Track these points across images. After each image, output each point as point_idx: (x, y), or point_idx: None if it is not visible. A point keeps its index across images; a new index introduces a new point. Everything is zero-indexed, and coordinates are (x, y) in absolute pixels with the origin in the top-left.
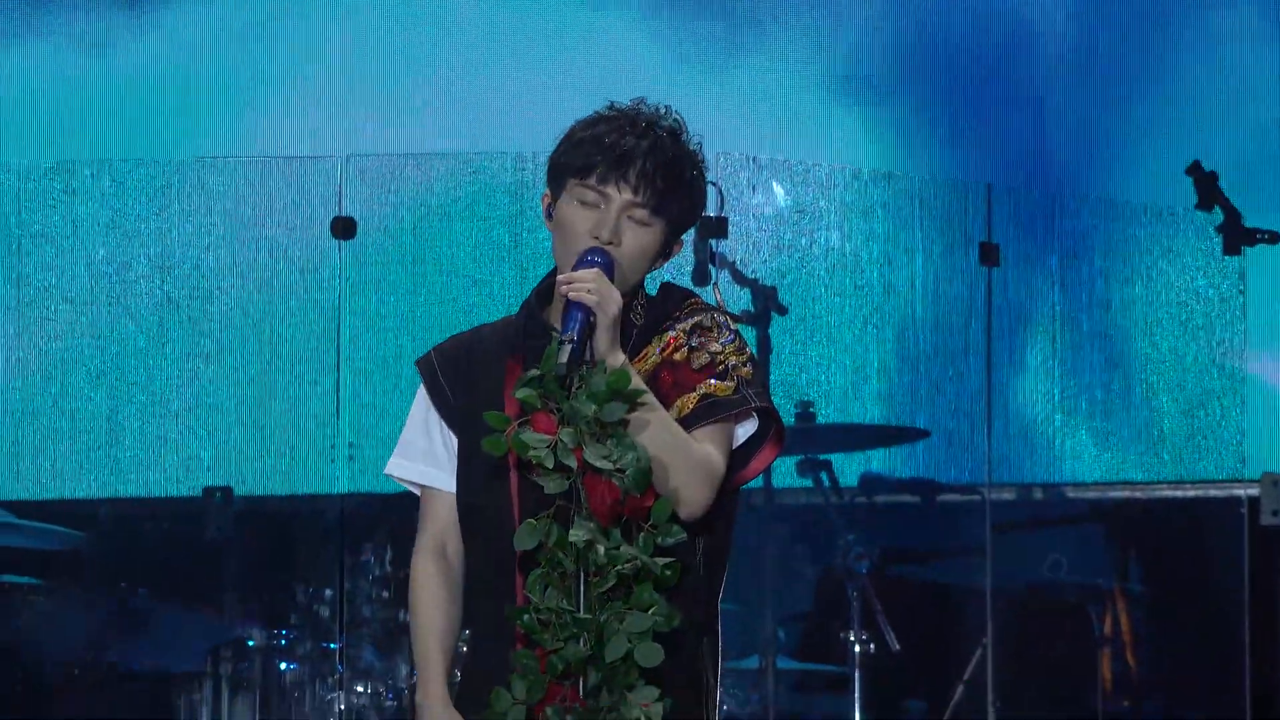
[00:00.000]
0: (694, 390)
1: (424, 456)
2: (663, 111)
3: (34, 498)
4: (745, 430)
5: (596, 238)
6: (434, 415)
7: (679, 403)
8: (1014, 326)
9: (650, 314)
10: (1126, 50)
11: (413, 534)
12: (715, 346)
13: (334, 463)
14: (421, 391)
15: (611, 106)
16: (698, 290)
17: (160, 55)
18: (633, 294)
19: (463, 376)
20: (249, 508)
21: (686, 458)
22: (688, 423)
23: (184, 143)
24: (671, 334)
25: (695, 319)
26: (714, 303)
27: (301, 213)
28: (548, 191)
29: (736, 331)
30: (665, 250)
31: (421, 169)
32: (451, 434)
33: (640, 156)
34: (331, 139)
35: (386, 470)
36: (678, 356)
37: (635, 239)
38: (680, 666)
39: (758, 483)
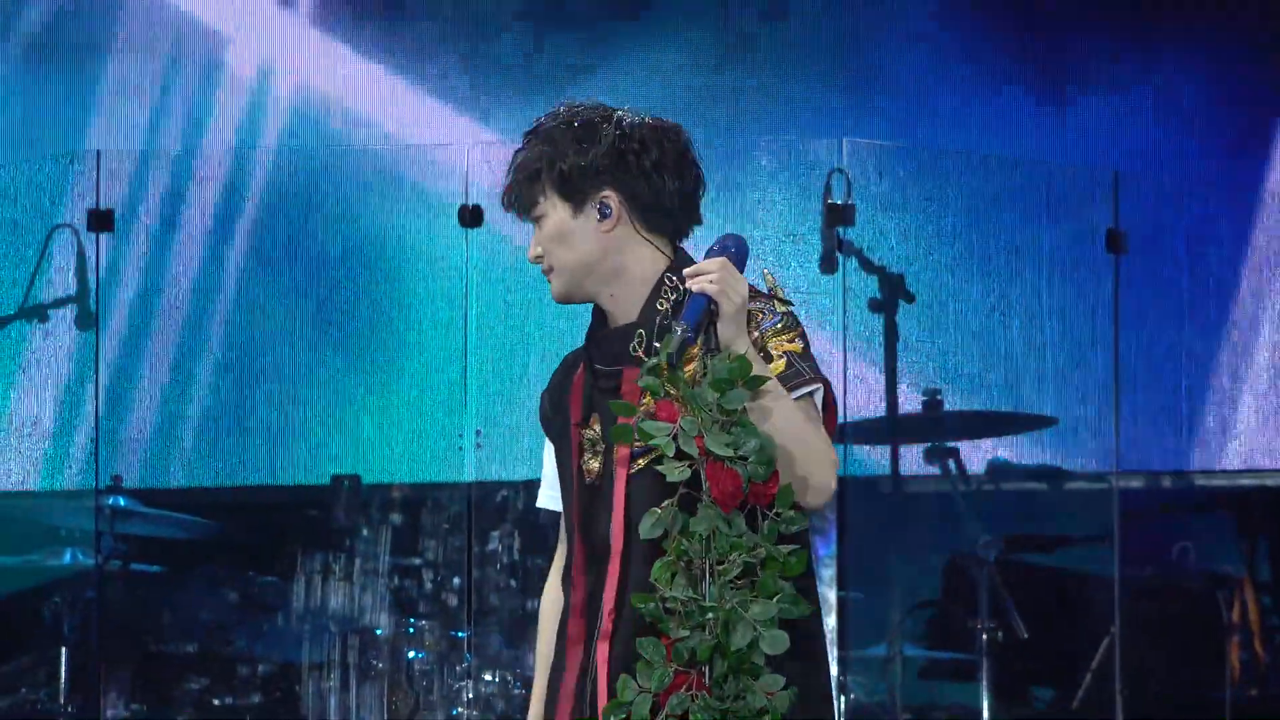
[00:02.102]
0: None
1: (548, 482)
2: (561, 109)
3: (162, 486)
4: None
5: (533, 262)
6: (547, 440)
7: None
8: (1141, 314)
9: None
10: (1251, 34)
11: (540, 521)
12: (754, 334)
13: (461, 451)
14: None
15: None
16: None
17: (283, 45)
18: (655, 280)
19: (555, 392)
20: (377, 496)
21: (815, 443)
22: None
23: (311, 131)
24: None
25: None
26: (765, 287)
27: (429, 201)
28: None
29: (785, 314)
30: (593, 211)
31: None
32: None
33: (508, 188)
34: (459, 126)
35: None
36: None
37: (541, 233)
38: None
39: (885, 470)
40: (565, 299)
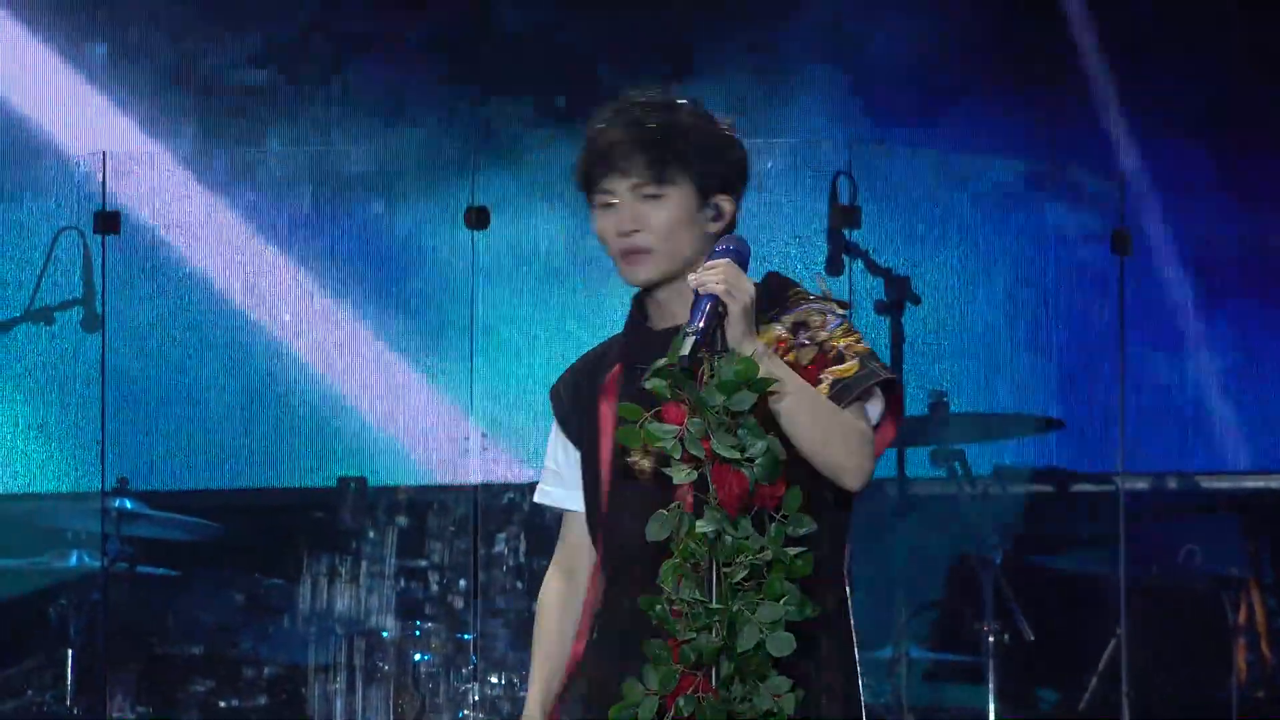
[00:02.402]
0: (819, 383)
1: (554, 478)
2: (641, 95)
3: (168, 488)
4: (875, 410)
5: (620, 233)
6: (560, 434)
7: None
8: (1147, 316)
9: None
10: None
11: (546, 523)
12: (822, 335)
13: (467, 454)
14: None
15: (605, 106)
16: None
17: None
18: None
19: (581, 388)
20: (383, 498)
21: (843, 428)
22: None
23: (319, 133)
24: (777, 332)
25: (799, 310)
26: (818, 291)
27: (435, 203)
28: None
29: (844, 317)
30: (711, 211)
31: (554, 156)
32: (574, 449)
33: (622, 141)
34: (464, 126)
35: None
36: (789, 358)
37: (657, 214)
38: (806, 654)
39: (891, 472)
40: (645, 284)
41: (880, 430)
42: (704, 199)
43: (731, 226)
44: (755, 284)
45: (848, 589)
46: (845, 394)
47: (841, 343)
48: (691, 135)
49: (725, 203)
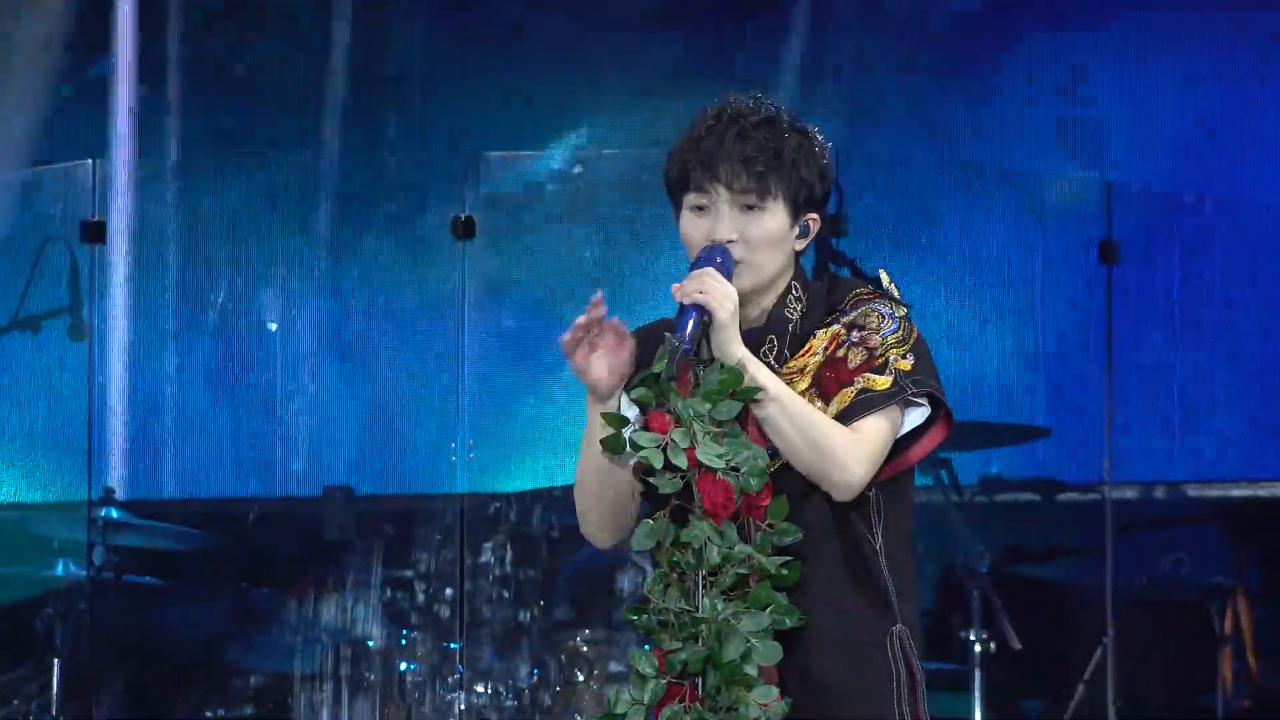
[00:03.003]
0: (852, 385)
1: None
2: (752, 103)
3: (155, 498)
4: (918, 415)
5: (714, 240)
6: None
7: (839, 397)
8: (1134, 325)
9: (813, 307)
10: (1244, 46)
11: (533, 533)
12: (875, 340)
13: (454, 462)
14: None
15: (700, 111)
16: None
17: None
18: (786, 285)
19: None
20: (369, 507)
21: (827, 440)
22: (844, 416)
23: (304, 139)
24: (834, 328)
25: (857, 312)
26: (884, 287)
27: (424, 211)
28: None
29: (903, 318)
30: (801, 227)
31: (546, 165)
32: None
33: (729, 148)
34: (454, 137)
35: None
36: (840, 354)
37: (756, 226)
38: (861, 663)
39: None
40: (742, 294)
41: (926, 435)
42: (796, 216)
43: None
44: (813, 287)
45: (897, 577)
46: (863, 407)
47: (892, 354)
48: (794, 152)
49: (813, 222)
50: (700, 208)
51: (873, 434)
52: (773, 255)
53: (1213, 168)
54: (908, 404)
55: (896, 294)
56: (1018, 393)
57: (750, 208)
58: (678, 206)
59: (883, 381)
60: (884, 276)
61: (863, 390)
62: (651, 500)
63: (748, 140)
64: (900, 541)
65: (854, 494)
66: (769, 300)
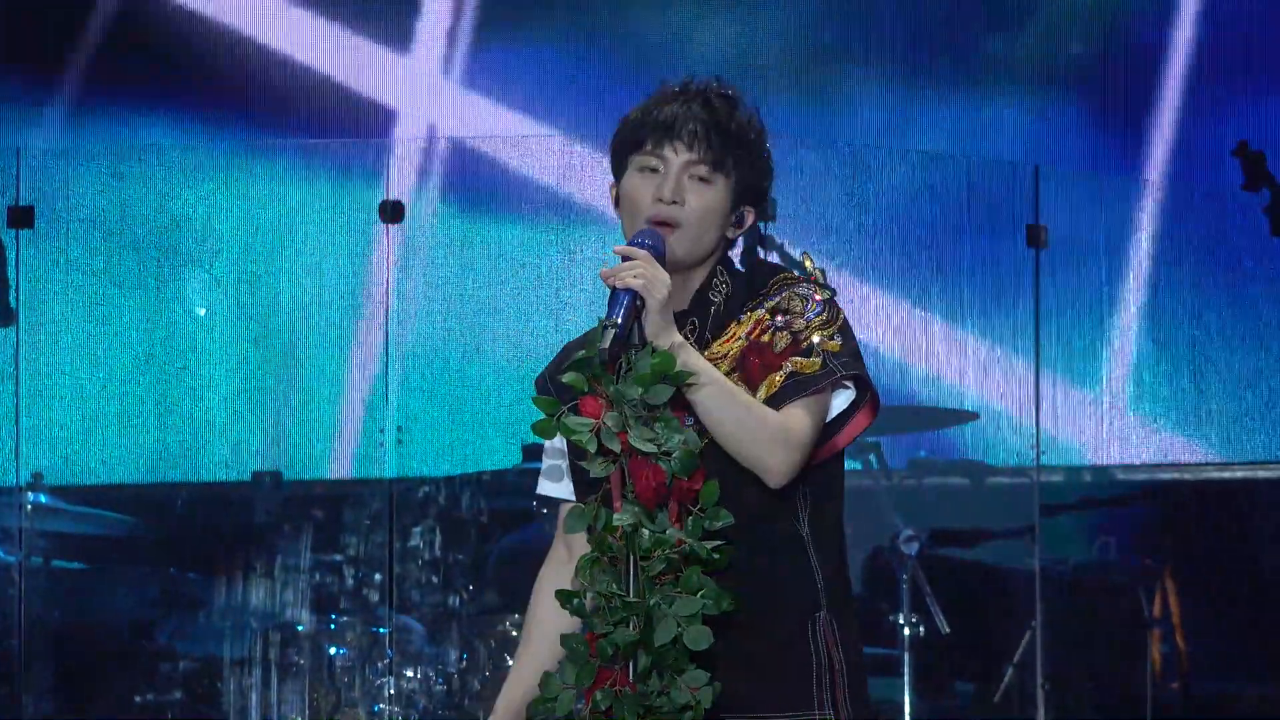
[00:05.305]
0: (780, 369)
1: (547, 472)
2: (714, 83)
3: (83, 483)
4: (844, 399)
5: (659, 199)
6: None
7: (766, 381)
8: (1061, 308)
9: (736, 291)
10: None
11: (462, 517)
12: (799, 324)
13: (383, 447)
14: None
15: (662, 84)
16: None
17: (205, 43)
18: (710, 269)
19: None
20: (298, 492)
21: (761, 425)
22: (775, 400)
23: (232, 127)
24: (758, 313)
25: (781, 296)
26: (807, 272)
27: (349, 197)
28: (612, 180)
29: (826, 301)
30: (737, 216)
31: (468, 152)
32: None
33: (691, 118)
34: (378, 123)
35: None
36: (764, 339)
37: (699, 196)
38: (782, 647)
39: None
40: (672, 263)
41: (853, 420)
42: (736, 203)
43: (735, 241)
44: (736, 273)
45: (826, 563)
46: (794, 390)
47: (816, 336)
48: (752, 143)
49: (748, 215)
50: (651, 169)
51: (804, 418)
52: (709, 230)
53: (1136, 151)
54: (835, 387)
55: (821, 278)
56: (946, 376)
57: (699, 179)
58: (620, 170)
59: (811, 364)
60: (808, 261)
61: (792, 374)
62: (583, 484)
63: (714, 110)
64: (830, 527)
65: (786, 479)
66: (695, 282)
